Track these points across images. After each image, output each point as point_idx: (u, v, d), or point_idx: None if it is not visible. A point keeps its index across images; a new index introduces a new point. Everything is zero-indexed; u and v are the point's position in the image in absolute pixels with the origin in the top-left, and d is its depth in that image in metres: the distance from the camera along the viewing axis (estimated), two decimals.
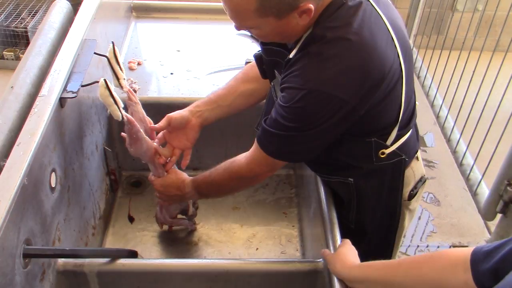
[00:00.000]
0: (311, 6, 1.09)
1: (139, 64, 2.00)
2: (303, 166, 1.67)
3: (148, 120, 1.50)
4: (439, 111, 2.23)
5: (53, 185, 1.22)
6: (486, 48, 1.86)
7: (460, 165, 1.96)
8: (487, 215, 1.64)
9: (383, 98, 1.16)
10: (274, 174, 1.92)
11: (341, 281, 1.15)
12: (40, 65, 1.35)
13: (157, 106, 1.76)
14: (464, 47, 2.02)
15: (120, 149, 1.83)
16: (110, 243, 1.67)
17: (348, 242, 1.23)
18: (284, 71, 1.20)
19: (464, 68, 1.99)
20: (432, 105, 2.30)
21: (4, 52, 3.30)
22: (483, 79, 1.82)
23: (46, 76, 1.28)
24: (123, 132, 1.41)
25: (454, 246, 2.26)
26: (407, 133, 1.30)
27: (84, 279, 1.29)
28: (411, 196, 1.39)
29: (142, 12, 2.31)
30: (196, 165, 1.89)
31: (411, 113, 1.31)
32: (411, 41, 2.57)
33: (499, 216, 1.60)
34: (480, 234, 2.36)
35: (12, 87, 1.25)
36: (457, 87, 2.05)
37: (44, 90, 1.23)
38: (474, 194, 1.81)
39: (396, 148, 1.28)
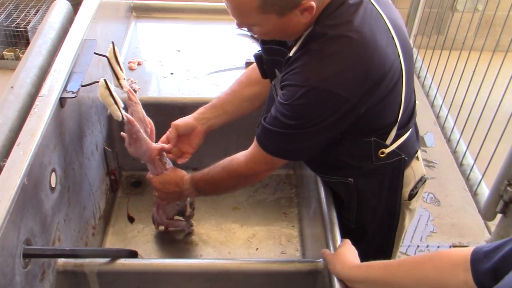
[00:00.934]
0: (313, 3, 1.09)
1: (139, 64, 2.00)
2: (303, 166, 1.67)
3: (148, 120, 1.50)
4: (439, 111, 2.23)
5: (53, 185, 1.22)
6: (486, 48, 1.86)
7: (460, 165, 1.96)
8: (487, 215, 1.64)
9: (383, 97, 1.16)
10: (274, 174, 1.92)
11: (341, 281, 1.15)
12: (40, 65, 1.35)
13: (157, 106, 1.76)
14: (464, 47, 2.02)
15: (120, 149, 1.82)
16: (110, 243, 1.67)
17: (348, 242, 1.23)
18: (284, 69, 1.19)
19: (464, 68, 1.99)
20: (432, 105, 2.30)
21: (4, 52, 3.30)
22: (483, 79, 1.82)
23: (46, 76, 1.28)
24: (123, 132, 1.41)
25: (454, 246, 2.26)
26: (406, 132, 1.30)
27: (84, 279, 1.29)
28: (411, 196, 1.39)
29: (142, 12, 2.31)
30: (196, 165, 1.89)
31: (411, 113, 1.31)
32: (411, 41, 2.57)
33: (499, 216, 1.60)
34: (480, 234, 2.35)
35: (12, 87, 1.25)
36: (457, 87, 2.05)
37: (44, 90, 1.23)
38: (474, 194, 1.81)
39: (396, 148, 1.27)
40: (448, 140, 2.09)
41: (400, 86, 1.20)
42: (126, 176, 1.92)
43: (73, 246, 1.38)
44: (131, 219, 1.77)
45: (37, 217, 1.13)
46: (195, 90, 1.87)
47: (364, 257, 1.17)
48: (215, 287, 1.32)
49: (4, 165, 1.05)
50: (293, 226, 1.77)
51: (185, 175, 1.49)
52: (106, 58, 1.40)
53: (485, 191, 1.75)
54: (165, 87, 1.89)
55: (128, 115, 1.38)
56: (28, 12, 3.36)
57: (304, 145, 1.21)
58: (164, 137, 1.52)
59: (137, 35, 2.18)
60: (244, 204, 1.84)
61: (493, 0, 2.09)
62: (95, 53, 1.42)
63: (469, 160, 1.93)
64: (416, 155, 1.39)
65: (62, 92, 1.26)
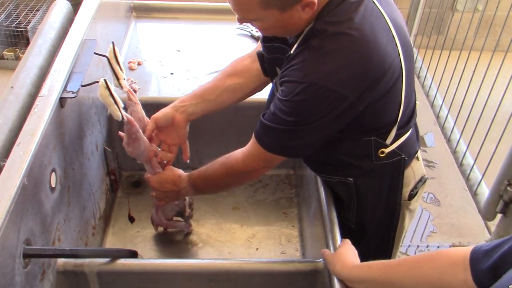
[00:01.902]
0: None
1: (139, 64, 2.00)
2: (303, 166, 1.67)
3: (147, 120, 1.50)
4: (439, 111, 2.23)
5: (53, 185, 1.22)
6: (486, 48, 1.86)
7: (460, 165, 1.96)
8: (487, 215, 1.64)
9: (383, 95, 1.16)
10: (274, 174, 1.92)
11: (341, 281, 1.15)
12: (40, 65, 1.35)
13: (157, 106, 1.75)
14: (464, 47, 2.02)
15: (120, 149, 1.82)
16: (110, 243, 1.67)
17: (348, 242, 1.23)
18: (284, 66, 1.20)
19: (464, 68, 1.99)
20: (432, 105, 2.30)
21: (4, 52, 3.30)
22: (483, 79, 1.82)
23: (46, 76, 1.28)
24: (121, 131, 1.41)
25: (454, 246, 2.26)
26: (406, 132, 1.30)
27: (84, 279, 1.29)
28: (411, 196, 1.39)
29: (142, 12, 2.31)
30: (196, 165, 1.87)
31: (411, 113, 1.31)
32: (411, 41, 2.57)
33: (499, 216, 1.60)
34: (480, 234, 2.36)
35: (12, 87, 1.25)
36: (457, 87, 2.05)
37: (44, 90, 1.23)
38: (474, 194, 1.81)
39: (396, 148, 1.27)
40: (448, 140, 2.09)
41: (400, 85, 1.19)
42: (126, 176, 1.92)
43: (73, 246, 1.38)
44: (131, 219, 1.77)
45: (37, 217, 1.13)
46: None
47: (364, 257, 1.17)
48: (215, 287, 1.32)
49: (4, 165, 1.05)
50: (293, 226, 1.77)
51: (182, 173, 1.48)
52: (106, 58, 1.40)
53: (485, 191, 1.75)
54: (165, 87, 1.89)
55: (128, 115, 1.38)
56: (28, 12, 3.36)
57: (301, 142, 1.21)
58: (146, 132, 1.49)
59: (137, 35, 2.18)
60: (244, 204, 1.84)
61: (493, 0, 2.09)
62: (95, 53, 1.42)
63: (469, 160, 1.92)
64: (416, 155, 1.39)
65: (62, 92, 1.26)
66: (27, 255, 1.07)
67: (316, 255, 1.36)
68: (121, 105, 1.35)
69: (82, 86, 1.32)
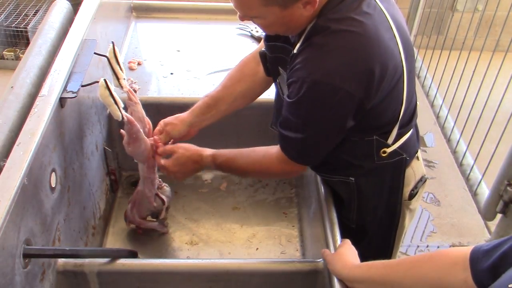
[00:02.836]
0: None
1: (139, 64, 2.00)
2: None
3: (147, 120, 1.50)
4: (439, 111, 2.23)
5: (53, 185, 1.22)
6: (486, 48, 1.86)
7: (460, 165, 1.96)
8: (487, 215, 1.64)
9: (386, 94, 1.16)
10: None
11: (341, 281, 1.15)
12: (40, 65, 1.35)
13: (157, 106, 1.76)
14: (464, 47, 2.02)
15: (120, 149, 1.82)
16: (110, 243, 1.67)
17: (348, 242, 1.23)
18: (289, 66, 1.20)
19: (464, 68, 1.99)
20: (432, 105, 2.30)
21: (4, 52, 3.30)
22: (483, 79, 1.82)
23: (46, 76, 1.28)
24: (122, 130, 1.40)
25: (454, 246, 2.26)
26: (408, 132, 1.30)
27: (84, 279, 1.29)
28: (412, 195, 1.39)
29: (142, 12, 2.31)
30: None
31: (412, 112, 1.31)
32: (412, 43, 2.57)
33: (499, 216, 1.60)
34: (480, 234, 2.36)
35: (12, 87, 1.25)
36: (457, 87, 2.05)
37: (44, 90, 1.23)
38: (474, 194, 1.81)
39: (397, 147, 1.28)
40: (448, 140, 2.09)
41: (401, 84, 1.20)
42: (126, 176, 1.91)
43: (73, 246, 1.38)
44: None
45: (37, 217, 1.13)
46: (195, 90, 1.87)
47: (364, 257, 1.17)
48: (215, 287, 1.32)
49: (4, 165, 1.05)
50: (293, 226, 1.77)
51: (203, 151, 1.44)
52: (106, 58, 1.40)
53: (485, 191, 1.75)
54: (165, 87, 1.89)
55: (128, 115, 1.38)
56: (28, 12, 3.36)
57: (319, 147, 1.23)
58: (156, 138, 1.49)
59: (137, 35, 2.18)
60: (244, 204, 1.84)
61: (493, 0, 2.09)
62: (95, 53, 1.42)
63: (469, 160, 1.92)
64: (416, 155, 1.39)
65: (62, 92, 1.26)
66: (27, 255, 1.07)
67: (316, 255, 1.36)
68: (121, 105, 1.35)
69: (82, 86, 1.32)
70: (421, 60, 2.48)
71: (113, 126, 1.76)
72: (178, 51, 2.10)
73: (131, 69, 1.96)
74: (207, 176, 1.92)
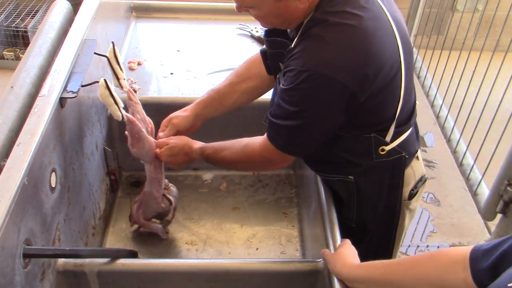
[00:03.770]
0: None
1: (139, 64, 2.00)
2: (303, 166, 1.67)
3: (148, 120, 1.51)
4: (439, 111, 2.23)
5: (53, 185, 1.22)
6: (486, 48, 1.86)
7: (460, 165, 1.96)
8: (487, 215, 1.64)
9: (382, 88, 1.17)
10: (274, 174, 1.93)
11: (341, 281, 1.15)
12: (40, 65, 1.35)
13: (157, 106, 1.76)
14: (464, 47, 2.02)
15: (120, 149, 1.83)
16: (110, 243, 1.67)
17: (348, 242, 1.23)
18: (286, 58, 1.20)
19: (464, 68, 1.99)
20: (432, 105, 2.30)
21: (4, 52, 3.30)
22: (483, 79, 1.82)
23: (46, 76, 1.28)
24: (126, 131, 1.41)
25: (454, 246, 2.26)
26: (406, 131, 1.30)
27: (84, 279, 1.29)
28: (411, 195, 1.39)
29: (142, 12, 2.31)
30: (196, 164, 1.89)
31: (411, 111, 1.31)
32: (411, 41, 2.57)
33: (499, 216, 1.60)
34: (480, 234, 2.36)
35: (12, 87, 1.25)
36: (457, 87, 2.05)
37: (44, 90, 1.23)
38: (474, 194, 1.81)
39: (396, 146, 1.28)
40: (448, 140, 2.09)
41: (399, 80, 1.20)
42: (126, 176, 1.91)
43: (73, 246, 1.38)
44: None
45: (37, 217, 1.13)
46: (195, 90, 1.87)
47: (364, 257, 1.17)
48: (215, 287, 1.32)
49: (4, 165, 1.05)
50: (293, 226, 1.77)
51: (193, 143, 1.47)
52: (106, 58, 1.40)
53: (485, 191, 1.75)
54: (165, 87, 1.89)
55: (129, 115, 1.38)
56: (28, 12, 3.36)
57: (307, 137, 1.22)
58: (162, 134, 1.51)
59: (137, 35, 2.18)
60: (244, 204, 1.84)
61: (493, 0, 2.09)
62: (95, 53, 1.42)
63: (469, 160, 1.92)
64: (416, 155, 1.39)
65: (62, 92, 1.26)
66: (27, 255, 1.07)
67: (316, 255, 1.36)
68: (121, 105, 1.35)
69: (82, 86, 1.32)
70: (421, 60, 2.48)
71: (113, 126, 1.76)
72: (178, 51, 2.10)
73: (131, 69, 1.96)
74: (207, 176, 1.92)
